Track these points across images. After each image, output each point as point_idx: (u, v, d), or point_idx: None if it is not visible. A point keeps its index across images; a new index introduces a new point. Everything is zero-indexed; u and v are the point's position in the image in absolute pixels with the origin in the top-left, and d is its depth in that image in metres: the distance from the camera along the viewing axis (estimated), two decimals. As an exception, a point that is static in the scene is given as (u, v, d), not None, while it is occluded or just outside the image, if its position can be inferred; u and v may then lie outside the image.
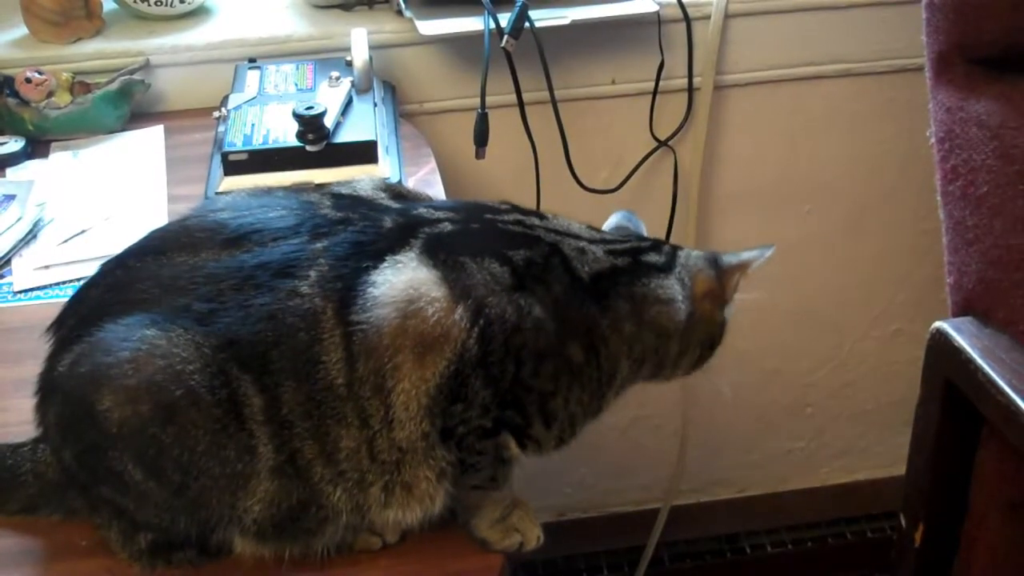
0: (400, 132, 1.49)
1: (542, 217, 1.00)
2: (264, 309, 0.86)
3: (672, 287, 0.97)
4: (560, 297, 0.91)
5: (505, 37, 1.51)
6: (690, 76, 1.70)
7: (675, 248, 1.03)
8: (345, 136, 1.34)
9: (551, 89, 1.59)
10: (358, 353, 0.85)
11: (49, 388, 0.92)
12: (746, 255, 1.02)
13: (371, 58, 1.45)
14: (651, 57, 1.66)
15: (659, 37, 1.65)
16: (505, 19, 1.52)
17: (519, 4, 1.52)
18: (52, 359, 0.92)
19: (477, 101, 1.54)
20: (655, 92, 1.69)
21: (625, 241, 1.01)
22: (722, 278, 1.02)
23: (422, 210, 0.96)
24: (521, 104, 1.59)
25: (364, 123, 1.36)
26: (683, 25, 1.65)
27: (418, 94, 1.66)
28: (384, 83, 1.57)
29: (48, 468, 0.95)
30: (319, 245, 0.89)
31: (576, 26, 1.57)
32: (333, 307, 0.86)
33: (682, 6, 1.63)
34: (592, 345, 0.93)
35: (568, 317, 0.91)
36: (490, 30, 1.52)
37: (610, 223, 1.09)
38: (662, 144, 1.74)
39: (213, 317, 0.86)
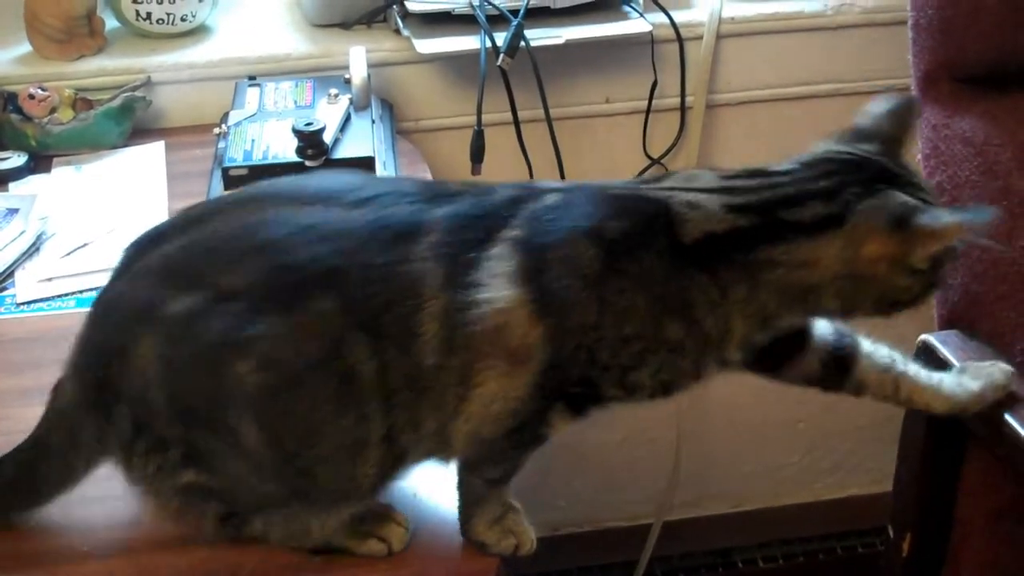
0: (397, 149, 1.51)
1: (669, 176, 0.97)
2: (381, 271, 0.87)
3: (817, 250, 0.89)
4: (655, 273, 0.88)
5: (501, 56, 1.54)
6: (682, 95, 1.72)
7: (870, 192, 0.90)
8: (343, 152, 1.36)
9: (546, 107, 1.61)
10: (453, 340, 0.87)
11: (149, 319, 0.89)
12: (949, 220, 0.89)
13: (369, 76, 1.47)
14: (644, 76, 1.69)
15: (652, 57, 1.67)
16: (501, 38, 1.55)
17: (515, 23, 1.54)
18: (156, 290, 0.90)
19: (473, 119, 1.57)
20: (648, 111, 1.72)
21: (784, 188, 0.92)
22: (909, 240, 0.89)
23: (540, 184, 0.95)
24: (516, 122, 1.62)
25: (362, 139, 1.39)
26: (676, 45, 1.67)
27: (415, 112, 1.69)
28: (382, 101, 1.59)
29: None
30: (438, 213, 0.90)
31: (571, 45, 1.60)
32: (439, 281, 0.87)
33: (675, 26, 1.66)
34: (693, 317, 0.89)
35: (663, 294, 0.88)
36: (486, 49, 1.55)
37: (878, 111, 0.98)
38: (655, 162, 1.76)
39: (338, 276, 0.87)
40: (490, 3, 1.57)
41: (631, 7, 1.65)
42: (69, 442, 0.95)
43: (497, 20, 1.57)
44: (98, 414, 0.92)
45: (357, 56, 1.48)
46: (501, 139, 1.63)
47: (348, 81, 1.48)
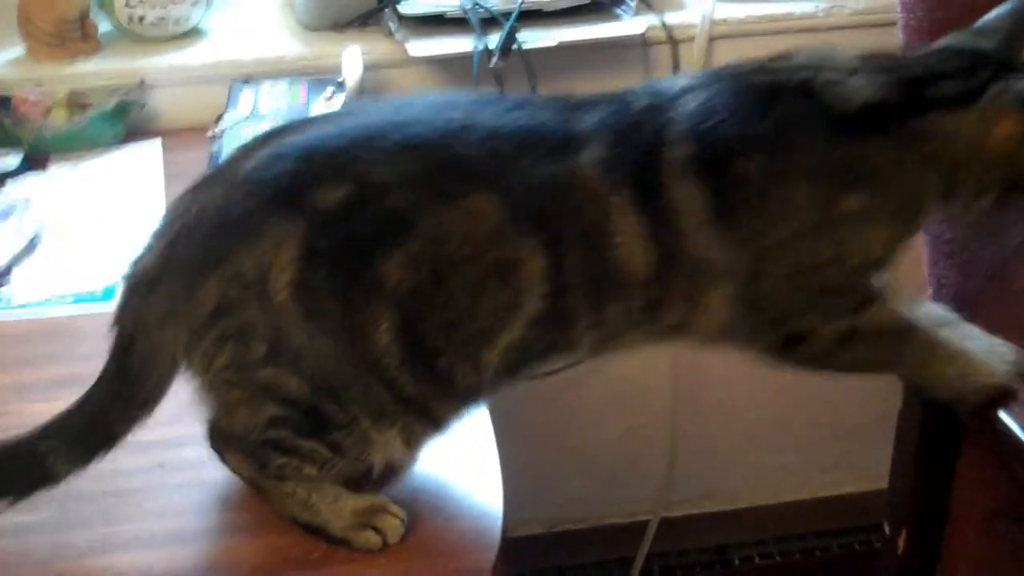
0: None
1: (786, 57, 1.00)
2: (552, 177, 0.90)
3: (954, 123, 0.95)
4: (821, 154, 0.93)
5: (494, 58, 1.54)
6: (676, 95, 1.73)
7: (1000, 76, 0.96)
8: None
9: (540, 108, 1.62)
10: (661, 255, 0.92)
11: (293, 206, 0.89)
12: None
13: (363, 77, 1.48)
14: (637, 78, 1.69)
15: (645, 59, 1.68)
16: (494, 41, 1.55)
17: (507, 26, 1.55)
18: (295, 177, 0.90)
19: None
20: (642, 111, 1.72)
21: (917, 68, 0.98)
22: None
23: (666, 83, 0.99)
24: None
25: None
26: (668, 47, 1.68)
27: (409, 114, 1.69)
28: (375, 102, 1.60)
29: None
30: (590, 121, 0.93)
31: (564, 47, 1.60)
32: (621, 197, 0.91)
33: (667, 28, 1.67)
34: (879, 179, 0.95)
35: (840, 169, 0.93)
36: (479, 51, 1.55)
37: (996, 13, 1.03)
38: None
39: (502, 177, 0.90)
40: (482, 6, 1.58)
41: (623, 9, 1.66)
42: (151, 344, 0.93)
43: (490, 23, 1.58)
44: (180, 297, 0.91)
45: (351, 57, 1.49)
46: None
47: (342, 83, 1.48)
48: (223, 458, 0.98)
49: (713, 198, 0.92)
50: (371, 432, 0.93)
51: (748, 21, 1.72)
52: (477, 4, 1.58)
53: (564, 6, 1.62)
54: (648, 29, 1.65)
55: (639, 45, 1.67)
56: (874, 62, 0.98)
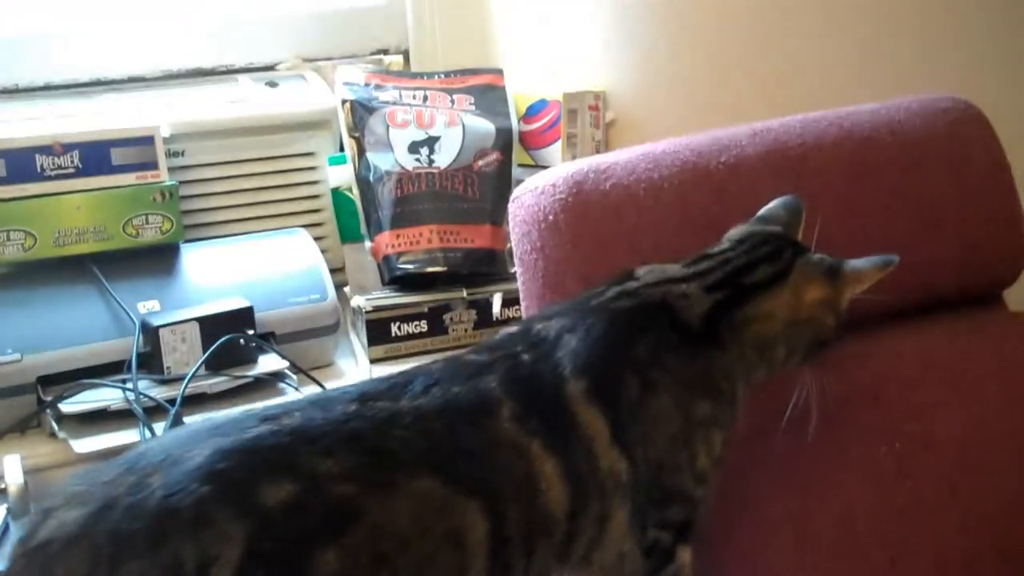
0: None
1: (634, 277, 1.14)
2: (481, 443, 1.00)
3: (772, 302, 1.12)
4: (679, 369, 1.08)
5: (162, 445, 1.55)
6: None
7: (797, 253, 1.15)
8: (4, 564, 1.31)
9: (214, 489, 1.62)
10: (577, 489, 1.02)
11: (241, 505, 0.90)
12: (866, 265, 1.15)
13: (27, 483, 1.44)
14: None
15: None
16: (161, 428, 1.57)
17: (172, 412, 1.57)
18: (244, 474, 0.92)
19: (140, 511, 1.55)
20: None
21: (733, 260, 1.14)
22: (839, 286, 1.14)
23: (539, 326, 1.11)
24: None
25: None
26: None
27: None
28: (42, 506, 1.55)
29: None
30: (493, 382, 1.03)
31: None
32: (538, 442, 1.01)
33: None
34: (717, 388, 1.10)
35: (692, 382, 1.09)
36: (146, 440, 1.56)
37: (773, 206, 1.22)
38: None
39: (438, 454, 0.98)
40: (146, 395, 1.60)
41: (287, 383, 1.72)
42: None
43: (155, 411, 1.59)
44: None
45: (11, 465, 1.46)
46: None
47: (3, 491, 1.44)
48: None
49: (612, 418, 1.05)
50: None
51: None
52: (141, 394, 1.59)
53: (226, 388, 1.66)
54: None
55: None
56: (701, 264, 1.15)
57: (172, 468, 0.92)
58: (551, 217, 1.33)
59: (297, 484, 0.92)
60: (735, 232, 1.22)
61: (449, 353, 1.15)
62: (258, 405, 1.04)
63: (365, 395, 1.02)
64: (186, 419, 1.58)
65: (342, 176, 1.96)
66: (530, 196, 1.37)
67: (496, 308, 1.79)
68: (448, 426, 1.00)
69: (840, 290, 1.16)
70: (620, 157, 1.39)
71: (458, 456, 0.99)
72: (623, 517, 1.07)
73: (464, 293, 1.82)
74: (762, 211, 1.25)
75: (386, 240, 1.87)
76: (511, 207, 1.40)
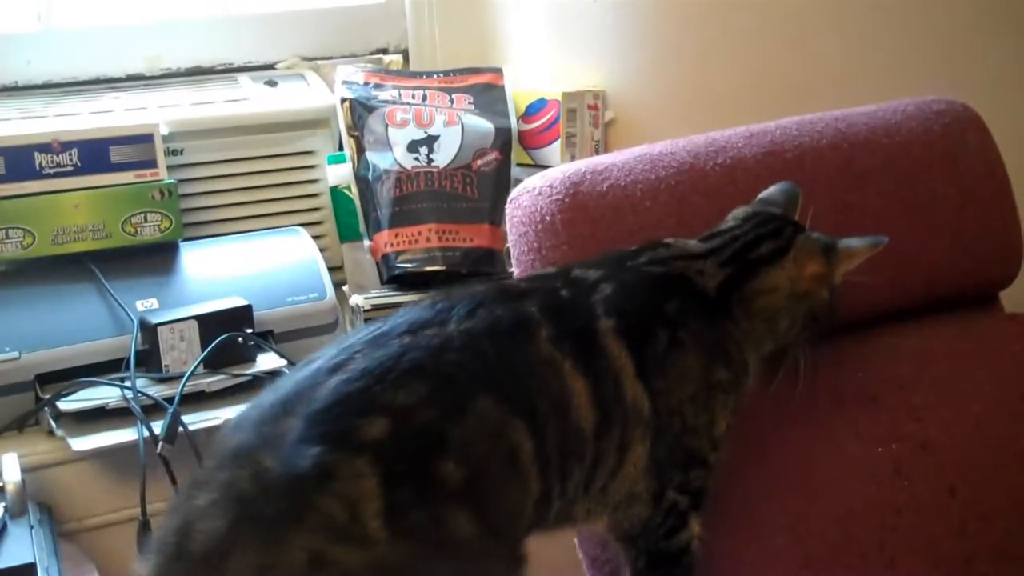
0: (61, 553, 1.47)
1: (664, 244, 1.21)
2: (524, 363, 1.06)
3: (777, 275, 1.20)
4: (702, 333, 1.15)
5: (160, 443, 1.55)
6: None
7: (797, 231, 1.22)
8: (1, 562, 1.31)
9: (212, 488, 1.62)
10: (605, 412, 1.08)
11: (350, 445, 0.96)
12: (858, 244, 1.23)
13: (24, 481, 1.45)
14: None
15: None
16: (159, 426, 1.57)
17: (171, 411, 1.57)
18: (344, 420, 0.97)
19: (139, 510, 1.56)
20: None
21: (741, 237, 1.21)
22: (834, 263, 1.22)
23: (577, 271, 1.17)
24: (183, 506, 1.61)
25: (21, 547, 1.35)
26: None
27: (78, 511, 1.65)
28: (40, 504, 1.55)
29: None
30: (533, 307, 1.10)
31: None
32: (570, 363, 1.07)
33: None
34: (731, 357, 1.17)
35: (712, 347, 1.16)
36: (144, 438, 1.56)
37: (771, 191, 1.29)
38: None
39: (490, 374, 1.04)
40: (144, 393, 1.60)
41: (285, 381, 1.72)
42: None
43: (153, 409, 1.59)
44: None
45: (9, 463, 1.46)
46: (170, 526, 1.62)
47: (1, 489, 1.44)
48: None
49: (638, 358, 1.11)
50: None
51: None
52: (139, 392, 1.60)
53: (225, 386, 1.67)
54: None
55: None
56: (714, 240, 1.22)
57: (275, 447, 0.96)
58: (548, 218, 1.33)
59: (387, 417, 0.98)
60: (739, 212, 1.27)
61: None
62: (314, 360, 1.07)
63: (414, 324, 1.06)
64: (184, 418, 1.59)
65: (341, 175, 1.96)
66: (527, 197, 1.37)
67: (494, 308, 1.79)
68: (496, 346, 1.06)
69: (834, 266, 1.22)
70: (617, 158, 1.40)
71: (506, 375, 1.05)
72: (641, 453, 1.12)
73: (462, 292, 1.82)
74: (762, 194, 1.30)
75: (385, 239, 1.87)
76: (508, 208, 1.40)
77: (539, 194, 1.36)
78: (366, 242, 1.91)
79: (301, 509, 0.93)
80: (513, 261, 1.40)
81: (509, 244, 1.42)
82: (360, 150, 1.92)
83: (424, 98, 1.99)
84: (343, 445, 0.96)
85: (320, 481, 0.94)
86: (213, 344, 1.65)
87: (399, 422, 0.98)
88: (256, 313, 1.72)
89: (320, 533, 0.93)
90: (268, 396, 1.04)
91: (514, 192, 1.41)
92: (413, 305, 1.10)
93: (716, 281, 1.19)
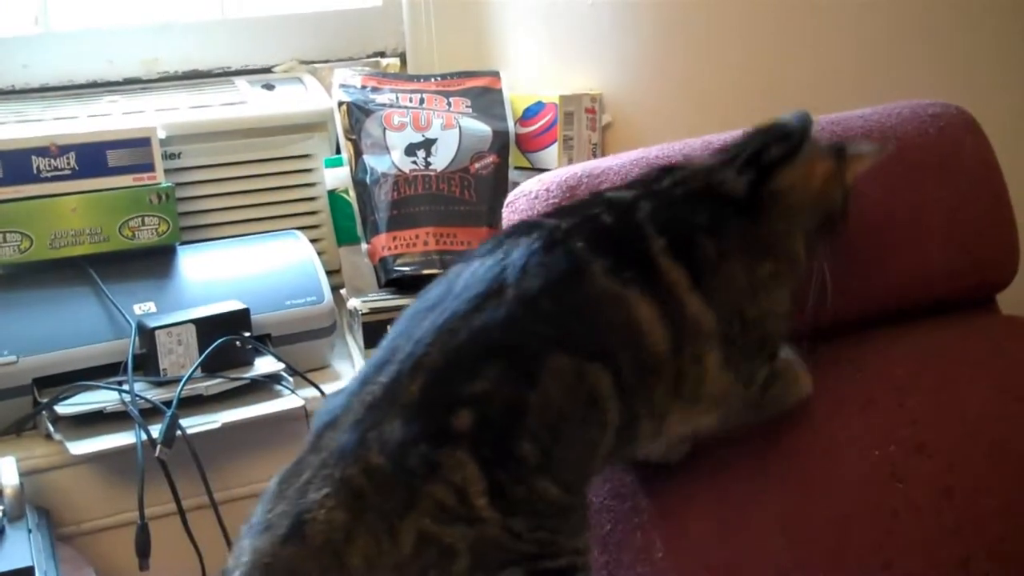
0: (59, 556, 1.47)
1: (675, 167, 1.23)
2: (584, 305, 1.09)
3: (792, 175, 1.22)
4: (741, 235, 1.18)
5: (158, 447, 1.56)
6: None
7: (804, 137, 1.24)
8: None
9: (210, 493, 1.62)
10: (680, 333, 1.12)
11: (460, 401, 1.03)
12: (866, 148, 1.28)
13: (22, 484, 1.45)
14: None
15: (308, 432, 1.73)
16: (156, 430, 1.57)
17: (169, 414, 1.58)
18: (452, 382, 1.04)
19: (136, 514, 1.56)
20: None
21: (749, 144, 1.23)
22: (843, 163, 1.25)
23: (611, 194, 1.21)
24: (181, 511, 1.61)
25: (19, 550, 1.35)
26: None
27: (76, 515, 1.65)
28: (38, 508, 1.56)
29: None
30: (580, 241, 1.11)
31: (228, 429, 1.64)
32: (633, 291, 1.10)
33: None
34: (775, 249, 1.20)
35: (747, 246, 1.18)
36: (142, 442, 1.56)
37: (784, 116, 1.28)
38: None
39: (555, 324, 1.08)
40: (142, 397, 1.60)
41: (283, 385, 1.73)
42: None
43: (151, 413, 1.60)
44: None
45: (7, 467, 1.47)
46: (168, 530, 1.61)
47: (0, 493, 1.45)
48: None
49: (690, 272, 1.13)
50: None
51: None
52: (137, 396, 1.60)
53: (223, 389, 1.67)
54: (308, 401, 1.71)
55: (301, 419, 1.72)
56: (721, 155, 1.25)
57: (381, 448, 1.02)
58: (545, 221, 1.33)
59: (469, 407, 1.03)
60: (749, 131, 1.30)
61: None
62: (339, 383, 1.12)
63: (478, 297, 1.08)
64: (182, 422, 1.59)
65: (338, 178, 1.97)
66: (524, 200, 1.37)
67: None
68: (555, 301, 1.08)
69: (844, 167, 1.26)
70: (614, 162, 1.40)
71: (571, 325, 1.09)
72: (716, 358, 1.15)
73: (460, 295, 1.82)
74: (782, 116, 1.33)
75: (382, 242, 1.88)
76: (505, 212, 1.41)
77: (535, 197, 1.36)
78: (364, 245, 1.91)
79: (412, 498, 1.01)
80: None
81: (506, 247, 1.42)
82: (358, 153, 1.93)
83: (422, 101, 2.00)
84: (442, 441, 1.02)
85: (427, 472, 1.01)
86: (211, 348, 1.66)
87: (481, 411, 1.03)
88: (254, 317, 1.72)
89: (429, 516, 1.01)
90: (355, 398, 1.07)
91: (510, 196, 1.42)
92: (466, 265, 1.13)
93: (741, 185, 1.21)
